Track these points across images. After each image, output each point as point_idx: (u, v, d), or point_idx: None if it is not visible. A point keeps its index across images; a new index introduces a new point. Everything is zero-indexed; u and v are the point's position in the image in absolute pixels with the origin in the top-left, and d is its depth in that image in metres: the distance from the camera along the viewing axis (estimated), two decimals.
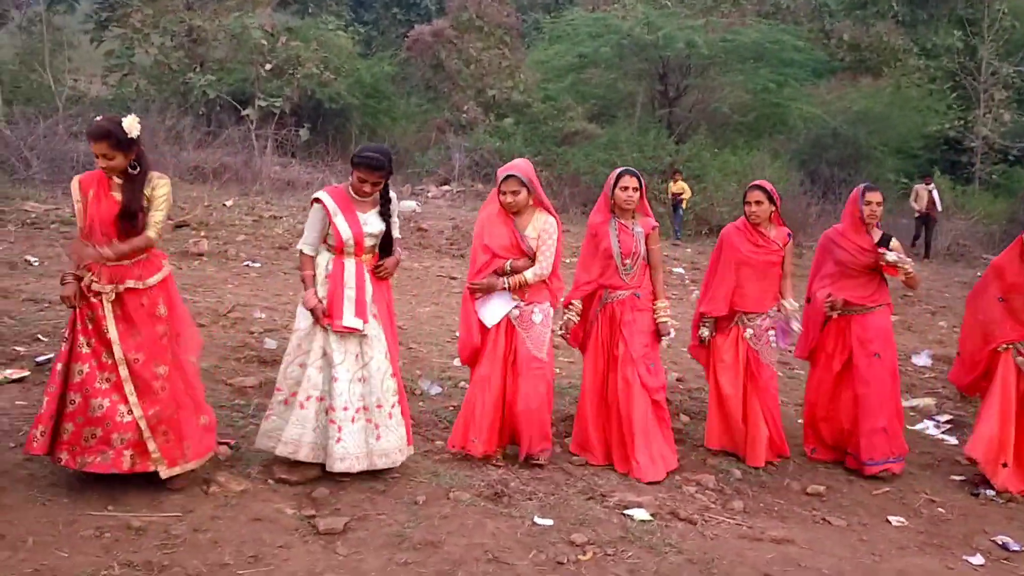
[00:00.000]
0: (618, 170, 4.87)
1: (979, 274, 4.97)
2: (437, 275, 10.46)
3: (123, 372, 3.75)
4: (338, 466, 4.05)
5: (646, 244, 4.80)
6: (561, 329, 4.92)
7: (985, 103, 24.41)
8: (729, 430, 5.07)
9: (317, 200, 4.19)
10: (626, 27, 18.92)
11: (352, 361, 4.14)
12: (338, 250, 4.18)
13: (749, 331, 5.01)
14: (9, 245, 8.66)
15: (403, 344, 5.94)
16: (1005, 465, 4.77)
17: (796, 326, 5.06)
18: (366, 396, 4.15)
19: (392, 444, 4.22)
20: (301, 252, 4.24)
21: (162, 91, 17.90)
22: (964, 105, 24.63)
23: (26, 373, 5.13)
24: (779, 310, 5.04)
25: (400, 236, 4.46)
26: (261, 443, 4.20)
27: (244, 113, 16.74)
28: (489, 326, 4.61)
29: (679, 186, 16.34)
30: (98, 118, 3.83)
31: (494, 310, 4.62)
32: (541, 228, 4.61)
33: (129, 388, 3.75)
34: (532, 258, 4.61)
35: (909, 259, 4.97)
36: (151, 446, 3.76)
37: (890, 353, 5.01)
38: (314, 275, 4.19)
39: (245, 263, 9.67)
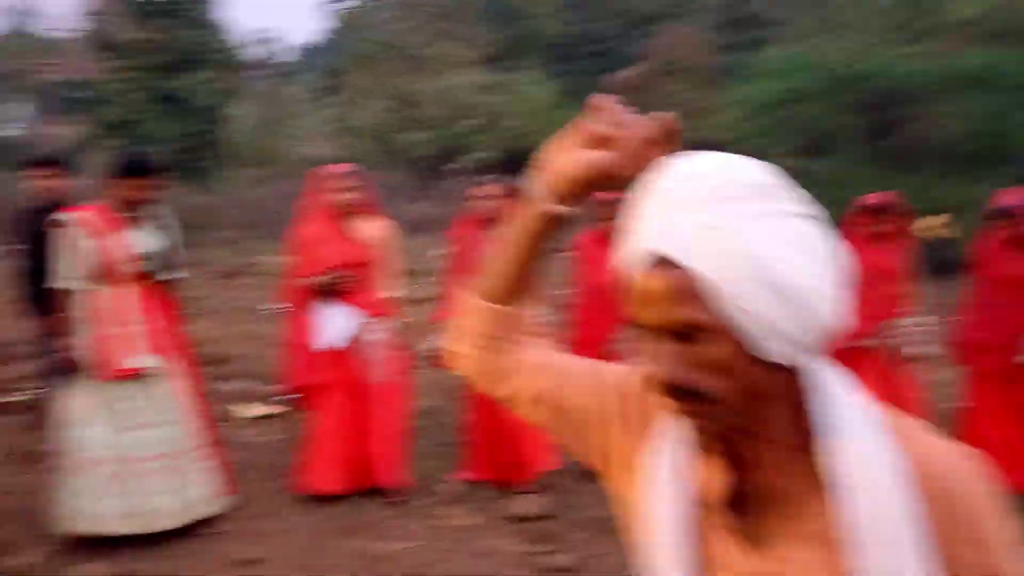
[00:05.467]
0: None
1: None
2: None
3: None
4: (166, 523, 3.72)
5: None
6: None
7: None
8: None
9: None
10: (836, 59, 18.23)
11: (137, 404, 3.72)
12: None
13: None
14: (253, 294, 9.52)
15: None
16: None
17: None
18: (171, 441, 3.76)
19: (200, 494, 3.84)
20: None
21: (379, 150, 19.12)
22: None
23: (278, 409, 5.61)
24: None
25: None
26: (54, 516, 3.75)
27: (453, 167, 17.56)
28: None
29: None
30: None
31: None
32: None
33: None
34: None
35: None
36: None
37: None
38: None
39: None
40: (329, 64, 23.86)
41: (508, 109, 18.88)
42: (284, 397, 5.83)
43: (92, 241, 3.63)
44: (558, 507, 4.27)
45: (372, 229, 4.30)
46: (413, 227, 15.66)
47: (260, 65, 20.92)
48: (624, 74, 22.81)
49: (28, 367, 6.23)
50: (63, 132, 23.45)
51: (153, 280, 3.82)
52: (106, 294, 3.68)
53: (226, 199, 14.67)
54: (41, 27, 25.59)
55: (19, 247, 4.73)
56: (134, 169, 3.71)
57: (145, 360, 3.68)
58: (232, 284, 10.12)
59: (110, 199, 3.75)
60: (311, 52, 34.19)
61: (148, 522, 3.68)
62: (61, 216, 3.69)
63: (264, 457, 4.83)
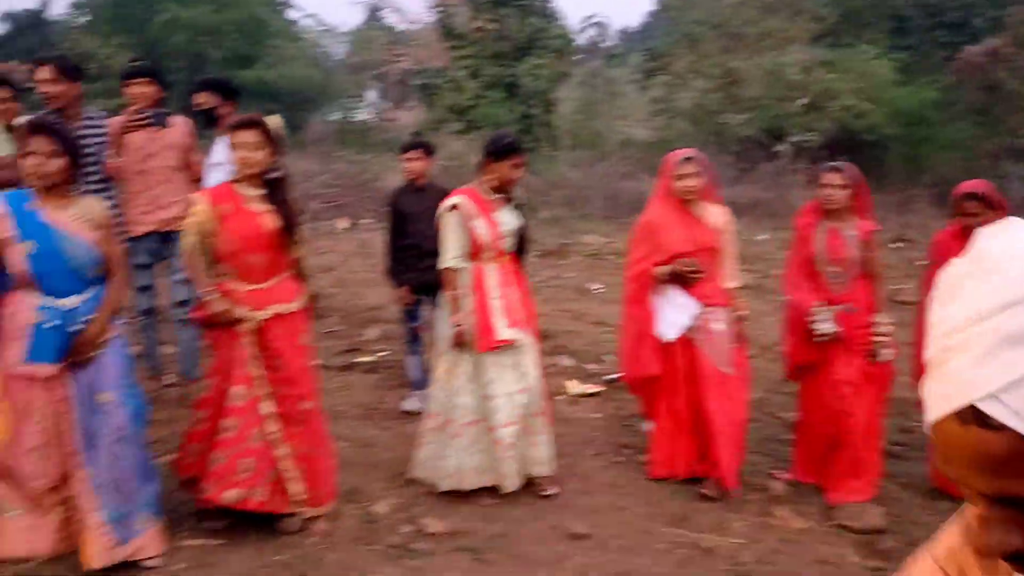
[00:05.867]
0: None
1: None
2: None
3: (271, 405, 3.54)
4: (510, 484, 3.97)
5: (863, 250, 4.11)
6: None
7: None
8: None
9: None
10: None
11: (507, 373, 3.95)
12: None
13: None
14: (576, 273, 9.82)
15: None
16: None
17: None
18: (526, 406, 3.98)
19: (548, 453, 4.09)
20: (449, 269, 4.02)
21: (700, 131, 18.85)
22: None
23: (600, 388, 5.73)
24: None
25: None
26: (419, 472, 4.12)
27: (777, 149, 16.87)
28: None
29: None
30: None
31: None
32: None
33: (276, 424, 3.52)
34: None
35: None
36: (295, 488, 3.57)
37: None
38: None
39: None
40: (651, 46, 23.90)
41: (841, 87, 17.74)
42: (607, 377, 5.97)
43: (471, 222, 3.97)
44: (894, 522, 3.96)
45: (715, 216, 4.22)
46: (734, 211, 15.29)
47: (588, 50, 21.47)
48: (977, 48, 20.50)
49: (385, 331, 6.93)
50: (406, 117, 25.72)
51: (512, 257, 4.11)
52: (479, 271, 4.00)
53: (550, 180, 15.25)
54: (392, 19, 28.16)
55: (389, 222, 5.24)
56: (510, 150, 3.99)
57: (512, 332, 3.94)
58: (555, 263, 10.50)
59: (484, 180, 4.05)
60: (632, 34, 34.47)
61: (497, 480, 3.98)
62: (450, 200, 4.04)
63: (587, 434, 4.95)
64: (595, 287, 9.17)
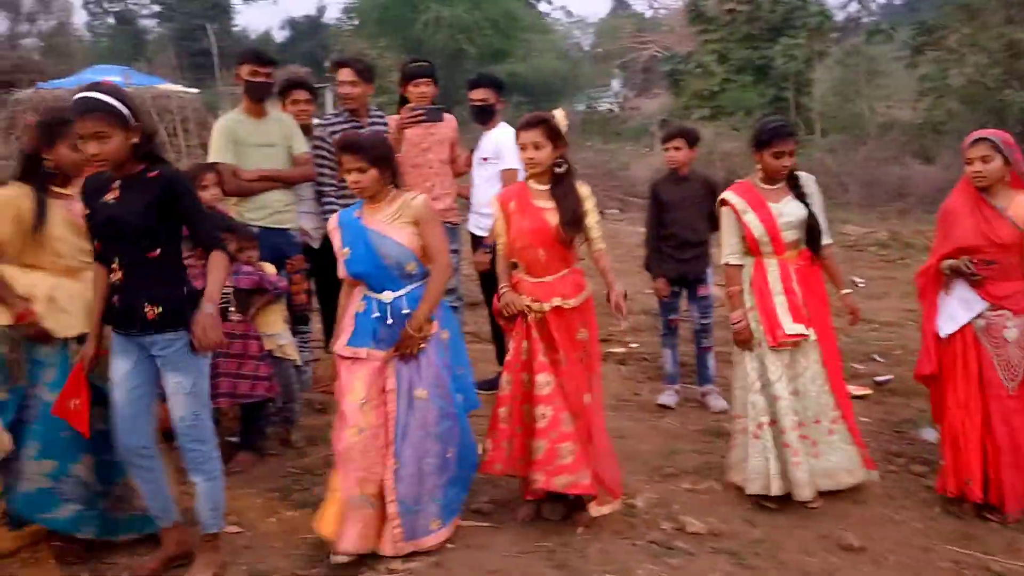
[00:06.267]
0: None
1: None
2: None
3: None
4: (804, 493, 3.73)
5: None
6: None
7: None
8: None
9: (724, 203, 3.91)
10: None
11: (786, 373, 3.78)
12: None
13: None
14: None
15: None
16: None
17: None
18: (805, 410, 3.79)
19: (836, 463, 3.83)
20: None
21: (974, 111, 17.17)
22: None
23: (867, 391, 5.38)
24: None
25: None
26: (733, 476, 3.98)
27: None
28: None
29: None
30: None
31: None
32: None
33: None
34: None
35: None
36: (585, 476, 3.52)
37: None
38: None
39: None
40: (920, 19, 22.05)
41: None
42: (877, 379, 5.60)
43: (744, 216, 3.85)
44: None
45: (1022, 207, 3.69)
46: None
47: (846, 26, 20.21)
48: None
49: (634, 322, 6.91)
50: (650, 105, 25.50)
51: (799, 249, 3.89)
52: (760, 267, 3.87)
53: (804, 166, 14.56)
54: (640, 7, 28.03)
55: (650, 212, 5.19)
56: (771, 137, 3.80)
57: (800, 328, 3.76)
58: None
59: (757, 172, 3.93)
60: (897, 8, 32.04)
61: (789, 488, 3.77)
62: (721, 196, 3.95)
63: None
64: (857, 281, 8.64)
